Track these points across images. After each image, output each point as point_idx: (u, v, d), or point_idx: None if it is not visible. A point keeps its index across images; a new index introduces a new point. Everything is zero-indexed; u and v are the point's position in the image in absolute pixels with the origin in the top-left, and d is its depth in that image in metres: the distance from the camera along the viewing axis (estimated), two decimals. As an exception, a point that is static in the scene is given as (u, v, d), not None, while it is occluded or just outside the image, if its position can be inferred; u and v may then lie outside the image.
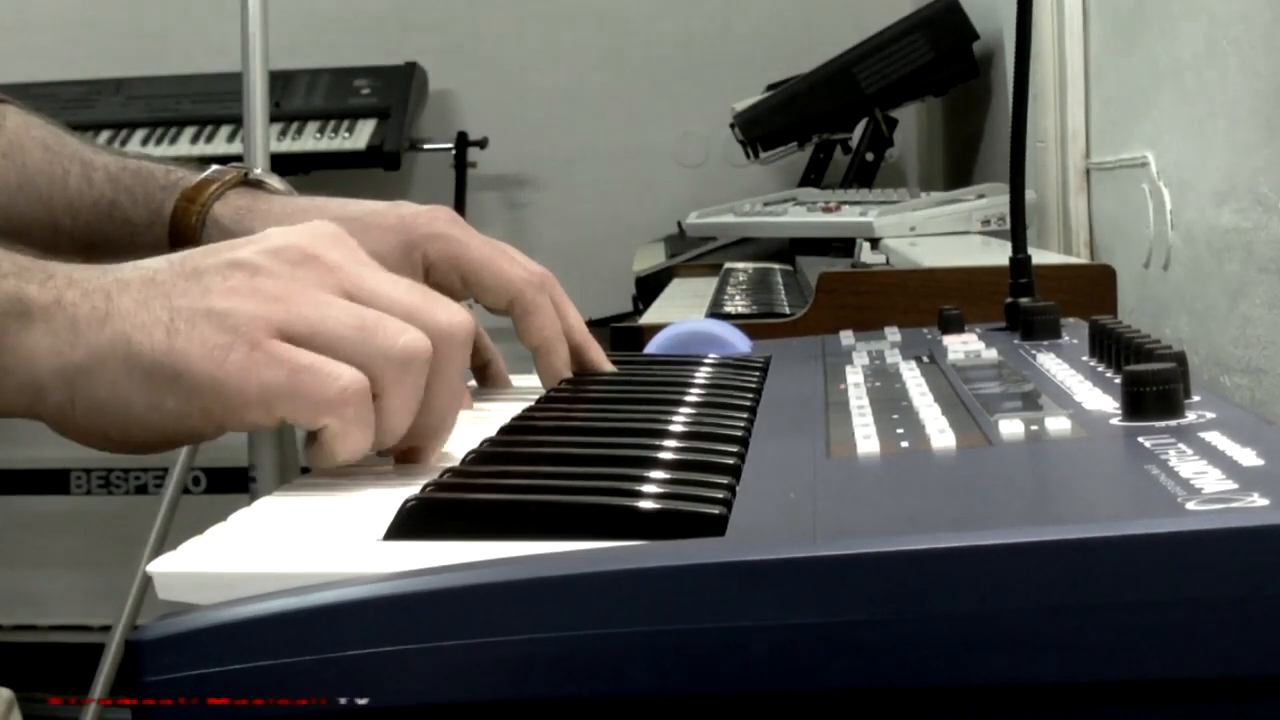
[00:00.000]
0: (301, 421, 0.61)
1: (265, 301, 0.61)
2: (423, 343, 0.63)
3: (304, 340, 0.61)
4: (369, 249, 0.69)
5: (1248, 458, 0.51)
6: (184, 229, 0.93)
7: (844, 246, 1.92)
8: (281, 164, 2.62)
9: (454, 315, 0.65)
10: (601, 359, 0.88)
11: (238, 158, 2.09)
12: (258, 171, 0.96)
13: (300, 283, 0.63)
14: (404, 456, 0.67)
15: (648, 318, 1.48)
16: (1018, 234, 1.02)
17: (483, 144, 3.04)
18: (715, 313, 1.42)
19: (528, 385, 0.89)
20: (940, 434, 0.61)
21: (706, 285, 1.77)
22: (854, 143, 2.47)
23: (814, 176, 2.50)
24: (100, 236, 0.96)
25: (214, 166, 0.95)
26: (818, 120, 2.42)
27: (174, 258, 0.64)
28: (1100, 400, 0.66)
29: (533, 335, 0.85)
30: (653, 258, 2.39)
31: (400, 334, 0.62)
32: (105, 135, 2.98)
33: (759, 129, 2.41)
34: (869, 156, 2.43)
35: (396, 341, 0.62)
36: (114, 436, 0.62)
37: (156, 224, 0.95)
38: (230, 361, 0.60)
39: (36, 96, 2.84)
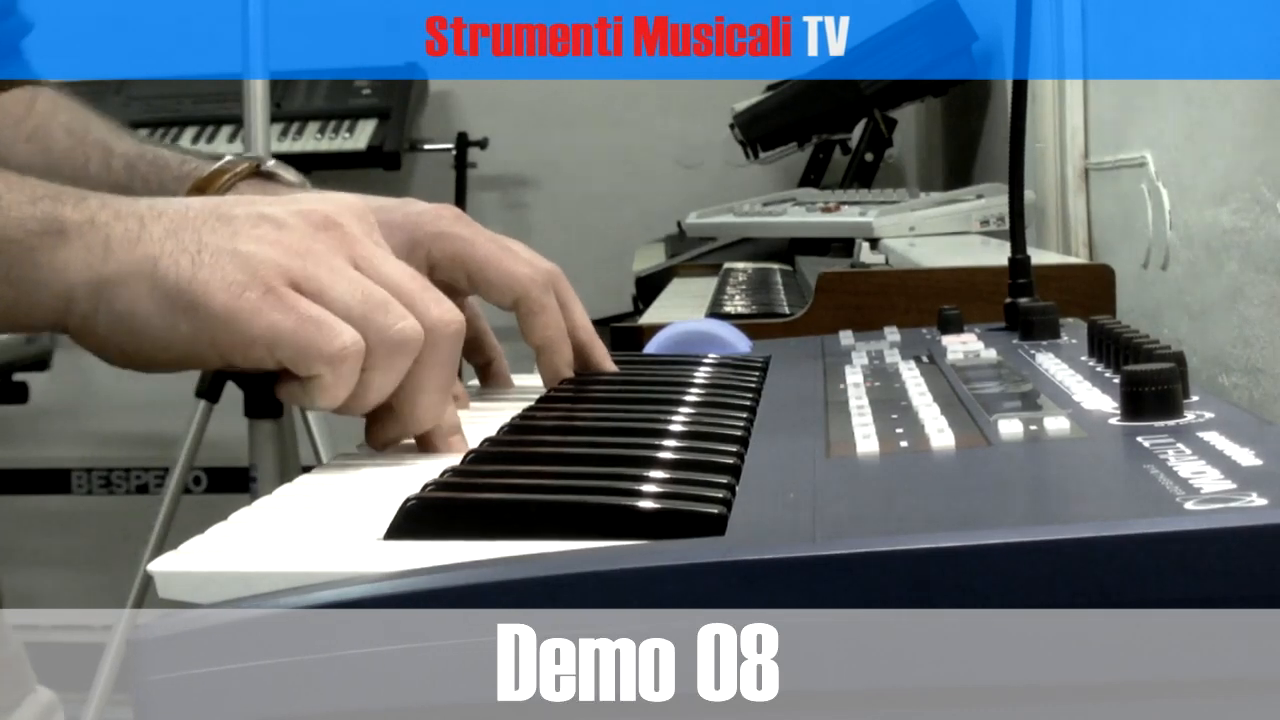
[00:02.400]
0: (298, 368, 0.64)
1: (286, 253, 0.65)
2: (417, 331, 0.66)
3: (313, 297, 0.65)
4: None
5: (1246, 457, 0.51)
6: None
7: (843, 246, 1.92)
8: (281, 164, 2.62)
9: (447, 312, 0.68)
10: (605, 358, 0.88)
11: (238, 158, 2.09)
12: (270, 163, 0.96)
13: (320, 244, 0.67)
14: (421, 442, 0.70)
15: (648, 318, 1.48)
16: (1017, 234, 1.02)
17: (483, 144, 3.04)
18: (715, 313, 1.42)
19: (529, 384, 0.89)
20: (939, 434, 0.61)
21: (706, 285, 1.77)
22: (853, 143, 2.47)
23: (813, 176, 2.50)
24: None
25: (228, 157, 0.96)
26: (817, 120, 2.41)
27: (207, 200, 0.69)
28: (1099, 400, 0.66)
29: (536, 334, 0.85)
30: (653, 258, 2.39)
31: (400, 319, 0.66)
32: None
33: (759, 129, 2.40)
34: (868, 157, 2.42)
35: (395, 324, 0.65)
36: (129, 350, 0.66)
37: None
38: (245, 298, 0.64)
39: (36, 96, 2.84)
